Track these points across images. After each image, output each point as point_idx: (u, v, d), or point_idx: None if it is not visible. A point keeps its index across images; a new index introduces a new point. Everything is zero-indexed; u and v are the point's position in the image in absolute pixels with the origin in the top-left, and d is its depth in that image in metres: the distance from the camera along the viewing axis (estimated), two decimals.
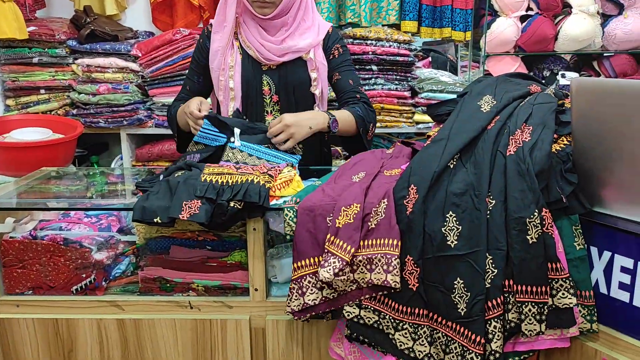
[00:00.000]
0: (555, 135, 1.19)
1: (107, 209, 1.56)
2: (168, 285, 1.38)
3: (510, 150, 1.15)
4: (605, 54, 2.48)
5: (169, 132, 2.46)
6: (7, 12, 2.05)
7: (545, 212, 1.08)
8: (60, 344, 1.37)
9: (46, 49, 2.41)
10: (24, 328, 1.36)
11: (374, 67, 2.37)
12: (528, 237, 1.07)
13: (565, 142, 1.19)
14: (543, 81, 2.47)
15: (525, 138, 1.16)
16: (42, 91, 2.44)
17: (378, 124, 2.34)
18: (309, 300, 1.18)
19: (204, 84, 1.69)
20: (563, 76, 2.33)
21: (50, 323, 1.36)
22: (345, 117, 1.55)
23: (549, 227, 1.08)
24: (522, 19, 2.42)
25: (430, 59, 2.89)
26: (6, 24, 2.04)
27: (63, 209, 1.55)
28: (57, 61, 2.43)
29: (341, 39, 1.68)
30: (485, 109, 1.26)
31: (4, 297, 1.39)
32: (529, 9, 2.43)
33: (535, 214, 1.08)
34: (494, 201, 1.11)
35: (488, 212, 1.11)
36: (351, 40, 2.44)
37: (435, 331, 1.13)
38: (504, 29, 2.37)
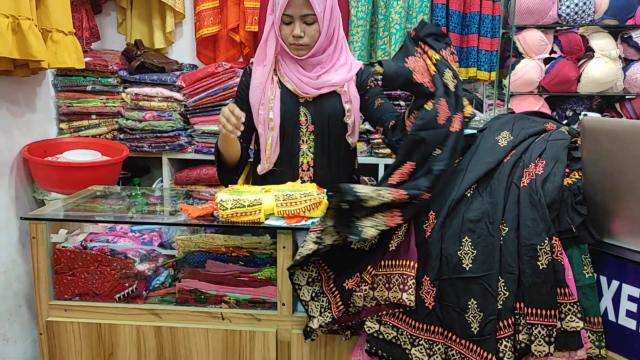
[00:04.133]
0: (567, 170, 1.26)
1: (151, 224, 1.69)
2: (203, 297, 1.47)
3: (524, 182, 1.24)
4: (626, 97, 2.52)
5: (208, 157, 2.61)
6: (68, 44, 2.21)
7: (555, 240, 1.16)
8: (102, 347, 1.47)
9: (99, 78, 2.57)
10: (70, 331, 1.48)
11: (402, 103, 2.47)
12: (539, 263, 1.15)
13: (577, 176, 1.26)
14: (565, 120, 2.54)
15: (539, 171, 1.24)
16: (93, 116, 2.60)
17: None
18: None
19: (247, 116, 1.82)
20: (585, 116, 2.39)
21: (94, 327, 1.47)
22: None
23: (558, 255, 1.15)
24: (546, 61, 2.48)
25: None
26: (67, 55, 2.20)
27: (113, 222, 1.68)
28: (109, 89, 2.59)
29: (373, 74, 1.81)
30: (502, 144, 1.35)
31: (54, 301, 1.51)
32: (552, 51, 2.50)
33: (546, 241, 1.15)
34: (507, 228, 1.19)
35: (501, 238, 1.19)
36: (381, 76, 2.54)
37: (449, 348, 1.20)
38: (528, 70, 2.44)
